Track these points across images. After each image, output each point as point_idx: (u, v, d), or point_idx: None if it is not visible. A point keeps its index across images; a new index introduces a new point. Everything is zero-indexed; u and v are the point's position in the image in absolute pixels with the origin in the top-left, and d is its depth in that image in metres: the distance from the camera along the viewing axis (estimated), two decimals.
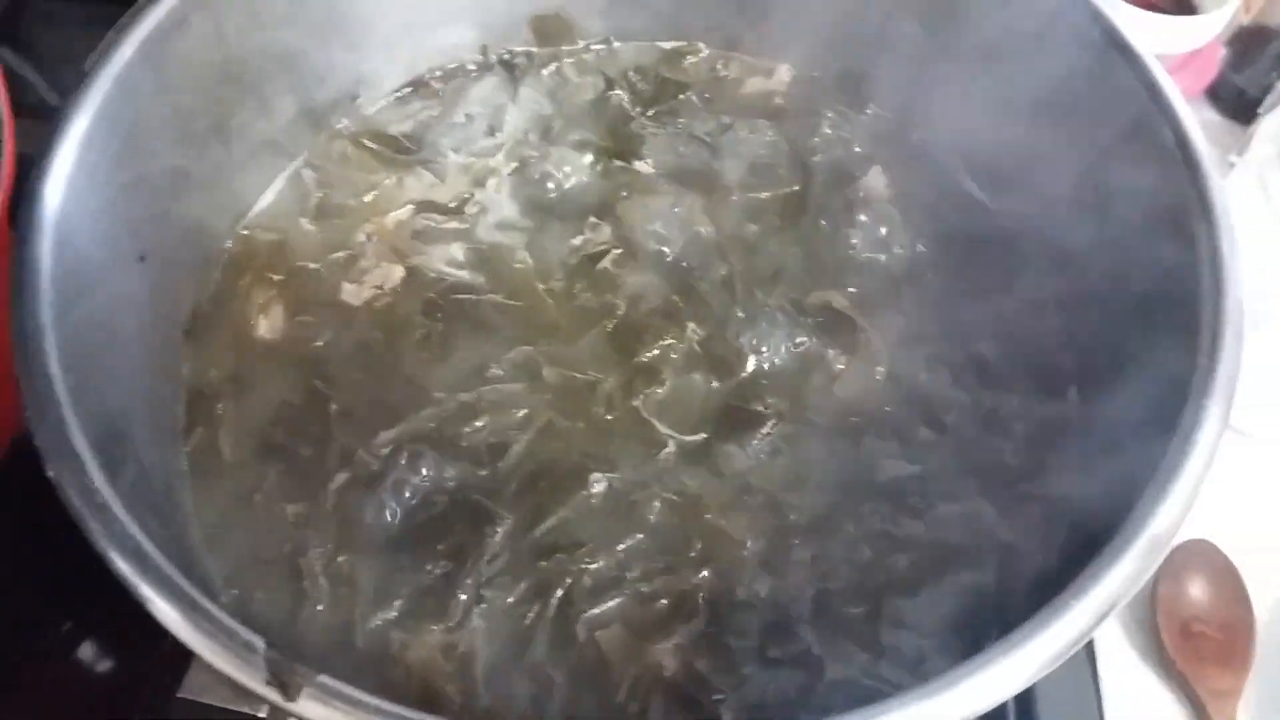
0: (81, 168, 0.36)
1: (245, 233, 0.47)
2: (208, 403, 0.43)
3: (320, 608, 0.38)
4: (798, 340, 0.44)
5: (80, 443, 0.31)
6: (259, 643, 0.26)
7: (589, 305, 0.46)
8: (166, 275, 0.42)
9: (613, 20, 0.53)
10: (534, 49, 0.54)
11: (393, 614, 0.37)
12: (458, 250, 0.48)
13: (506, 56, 0.53)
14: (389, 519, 0.40)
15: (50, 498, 0.30)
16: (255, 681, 0.25)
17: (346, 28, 0.48)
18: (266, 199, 0.48)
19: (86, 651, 0.45)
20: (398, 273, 0.47)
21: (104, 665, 0.45)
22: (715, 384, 0.43)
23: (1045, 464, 0.42)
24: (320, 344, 0.45)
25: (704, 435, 0.42)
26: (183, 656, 0.27)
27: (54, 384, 0.32)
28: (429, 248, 0.48)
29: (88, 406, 0.32)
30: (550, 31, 0.53)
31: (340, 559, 0.39)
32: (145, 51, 0.39)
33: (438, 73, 0.52)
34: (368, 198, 0.49)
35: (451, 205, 0.49)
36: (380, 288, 0.46)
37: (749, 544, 0.40)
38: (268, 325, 0.45)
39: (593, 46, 0.54)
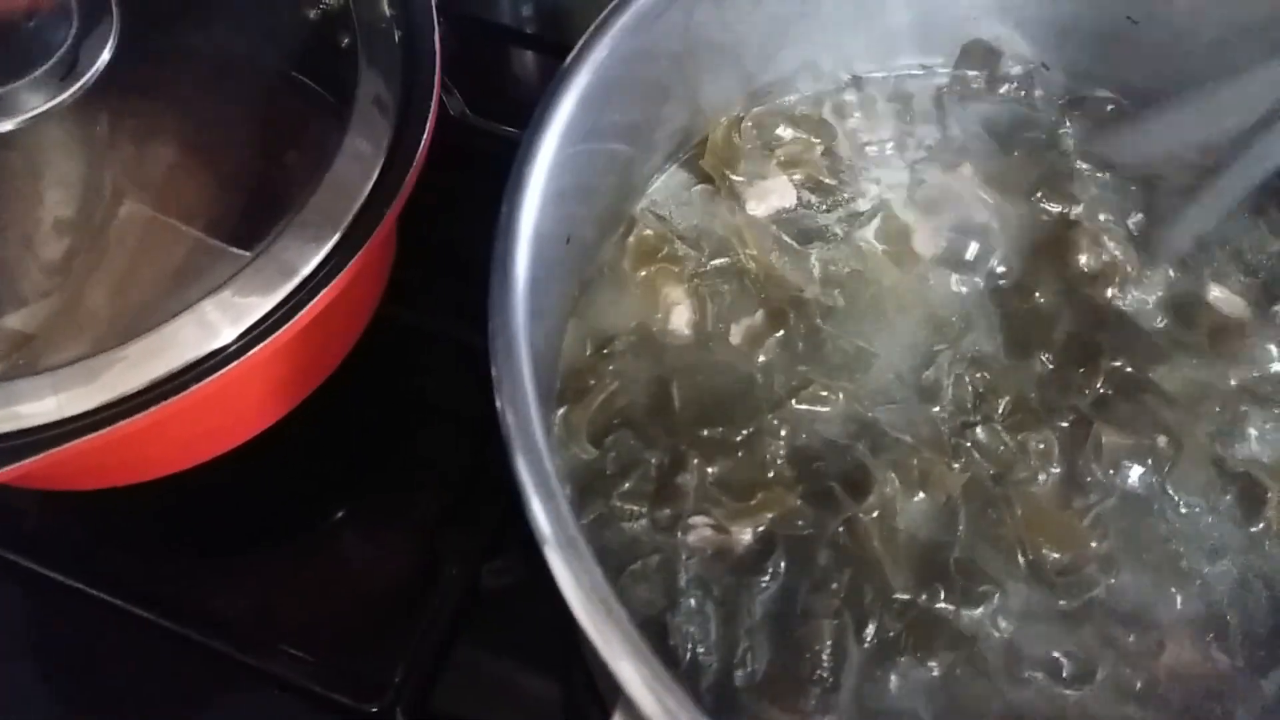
0: (560, 147, 0.36)
1: (638, 214, 0.47)
2: (580, 378, 0.44)
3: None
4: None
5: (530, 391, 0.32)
6: None
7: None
8: (574, 254, 0.43)
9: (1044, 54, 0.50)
10: (962, 71, 0.50)
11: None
12: (817, 266, 0.46)
13: (920, 74, 0.50)
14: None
15: None
16: None
17: (784, 28, 0.46)
18: (659, 181, 0.48)
19: None
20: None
21: None
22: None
23: None
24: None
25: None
26: None
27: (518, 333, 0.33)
28: (793, 256, 0.46)
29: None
30: (977, 57, 0.50)
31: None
32: (620, 38, 0.38)
33: (861, 81, 0.50)
34: (750, 190, 0.48)
35: (829, 215, 0.48)
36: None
37: None
38: (636, 310, 0.45)
39: (1015, 73, 0.50)
